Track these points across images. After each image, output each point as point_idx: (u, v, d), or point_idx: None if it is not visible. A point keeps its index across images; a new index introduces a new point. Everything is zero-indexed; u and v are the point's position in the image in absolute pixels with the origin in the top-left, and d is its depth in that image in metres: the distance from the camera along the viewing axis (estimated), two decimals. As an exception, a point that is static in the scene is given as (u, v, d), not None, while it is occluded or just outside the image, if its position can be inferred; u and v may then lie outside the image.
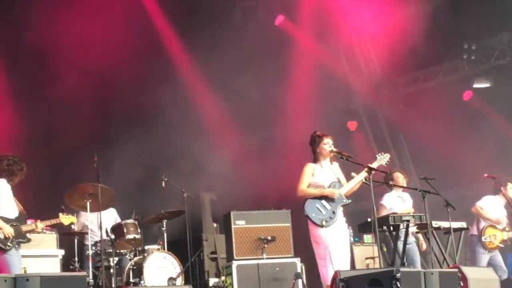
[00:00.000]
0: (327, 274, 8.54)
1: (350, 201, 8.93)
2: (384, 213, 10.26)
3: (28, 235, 8.77)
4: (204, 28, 13.34)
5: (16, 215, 8.74)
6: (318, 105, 13.79)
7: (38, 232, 9.77)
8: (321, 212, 8.79)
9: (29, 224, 8.89)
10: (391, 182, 10.63)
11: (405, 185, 10.72)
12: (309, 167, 9.01)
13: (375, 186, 8.80)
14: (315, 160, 9.08)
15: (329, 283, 8.38)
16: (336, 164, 9.20)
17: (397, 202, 10.60)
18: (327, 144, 9.01)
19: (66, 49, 12.26)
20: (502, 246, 11.47)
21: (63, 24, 12.17)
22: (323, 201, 8.84)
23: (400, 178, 10.80)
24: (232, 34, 13.35)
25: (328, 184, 8.91)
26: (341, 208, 8.90)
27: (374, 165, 9.01)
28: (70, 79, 12.22)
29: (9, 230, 8.44)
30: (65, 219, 9.41)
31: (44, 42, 11.97)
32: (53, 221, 9.26)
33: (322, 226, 8.68)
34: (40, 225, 8.99)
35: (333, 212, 8.79)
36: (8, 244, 8.44)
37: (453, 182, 13.25)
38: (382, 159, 9.14)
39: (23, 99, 12.12)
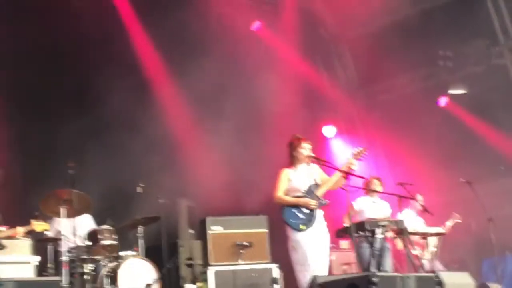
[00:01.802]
0: (304, 279, 8.52)
1: (327, 201, 8.92)
2: (352, 212, 10.29)
3: (3, 241, 8.69)
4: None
5: None
6: (296, 112, 13.78)
7: (12, 238, 9.65)
8: (298, 216, 8.78)
9: (8, 230, 8.80)
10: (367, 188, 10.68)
11: (372, 195, 10.78)
12: (285, 173, 8.99)
13: (351, 191, 8.83)
14: (291, 163, 9.05)
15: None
16: (315, 167, 9.17)
17: (369, 206, 10.61)
18: (305, 149, 8.99)
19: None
20: None
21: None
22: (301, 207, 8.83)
23: (376, 185, 10.84)
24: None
25: (305, 188, 8.89)
26: (321, 212, 8.88)
27: (350, 161, 8.94)
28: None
29: None
30: (37, 225, 9.32)
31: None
32: (27, 228, 9.18)
33: (300, 230, 8.67)
34: (21, 229, 8.88)
35: (311, 215, 8.77)
36: None
37: (432, 188, 13.29)
38: (358, 154, 9.09)
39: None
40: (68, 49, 12.54)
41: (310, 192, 8.91)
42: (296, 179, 8.95)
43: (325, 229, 8.92)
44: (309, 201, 8.79)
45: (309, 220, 8.75)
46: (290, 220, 8.77)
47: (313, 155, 9.01)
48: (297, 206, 8.82)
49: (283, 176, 9.00)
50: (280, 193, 8.92)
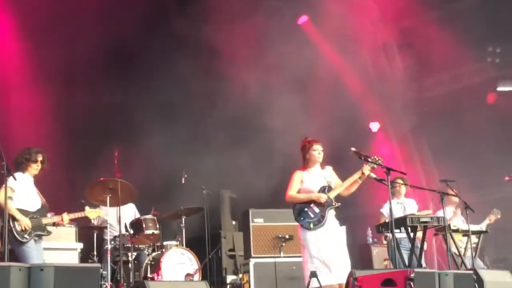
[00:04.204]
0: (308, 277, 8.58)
1: (339, 204, 8.90)
2: (383, 221, 10.25)
3: (49, 227, 8.83)
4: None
5: (38, 208, 8.81)
6: (340, 106, 13.74)
7: (60, 226, 9.78)
8: (309, 215, 8.78)
9: (53, 216, 8.93)
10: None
11: (403, 191, 10.71)
12: (298, 174, 9.00)
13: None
14: (304, 166, 9.07)
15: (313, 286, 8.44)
16: (329, 168, 9.14)
17: (397, 209, 10.55)
18: (316, 151, 9.00)
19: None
20: None
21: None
22: (312, 205, 8.82)
23: (400, 184, 10.76)
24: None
25: (317, 190, 8.88)
26: (332, 212, 8.87)
27: (367, 168, 8.92)
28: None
29: (26, 222, 8.52)
30: (91, 213, 9.46)
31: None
32: (78, 215, 9.29)
33: (310, 229, 8.68)
34: (67, 217, 9.02)
35: (322, 216, 8.76)
36: (25, 236, 8.52)
37: (476, 185, 13.19)
38: (375, 162, 9.01)
39: (48, 92, 12.20)
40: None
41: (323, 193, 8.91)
42: (309, 181, 8.95)
43: (337, 228, 8.88)
44: (320, 196, 8.78)
45: (319, 219, 8.75)
46: (301, 218, 8.78)
47: (353, 149, 9.00)
48: (308, 206, 8.82)
49: (295, 177, 9.01)
50: (292, 192, 8.93)
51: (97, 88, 12.63)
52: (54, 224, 9.05)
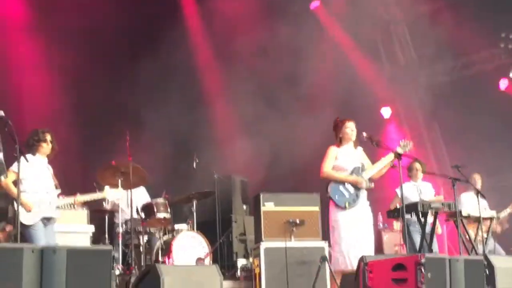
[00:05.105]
0: (340, 259, 8.60)
1: (372, 184, 8.95)
2: (395, 201, 10.25)
3: (59, 209, 8.80)
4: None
5: (49, 189, 8.76)
6: (351, 92, 13.73)
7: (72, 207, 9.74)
8: (344, 194, 8.83)
9: (65, 198, 8.87)
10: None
11: (420, 175, 10.69)
12: (333, 150, 9.05)
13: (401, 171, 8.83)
14: (338, 144, 9.10)
15: (341, 267, 8.47)
16: (360, 149, 9.22)
17: (413, 191, 10.53)
18: (349, 128, 9.03)
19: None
20: None
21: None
22: (347, 184, 8.87)
23: (417, 168, 10.75)
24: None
25: (351, 169, 8.94)
26: (365, 192, 8.92)
27: (396, 152, 8.98)
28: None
29: (30, 205, 8.47)
30: (110, 193, 9.26)
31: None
32: (95, 196, 9.14)
33: (345, 208, 8.72)
34: (80, 198, 8.98)
35: (357, 196, 8.83)
36: (31, 218, 8.46)
37: (488, 172, 13.14)
38: (404, 147, 9.10)
39: (61, 74, 12.23)
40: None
41: (356, 172, 8.96)
42: (342, 158, 8.99)
43: (368, 209, 8.96)
44: (358, 179, 8.82)
45: (354, 199, 8.80)
46: (336, 197, 8.82)
47: (367, 134, 9.02)
48: (343, 184, 8.86)
49: (330, 152, 9.05)
50: (328, 168, 8.95)
51: (111, 69, 12.67)
52: (70, 206, 9.02)
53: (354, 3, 13.91)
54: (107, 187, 9.28)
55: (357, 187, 8.87)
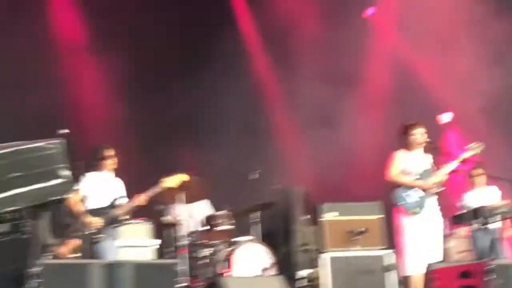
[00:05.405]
0: (409, 264, 8.52)
1: (443, 188, 8.86)
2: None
3: (123, 218, 8.84)
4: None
5: (110, 202, 8.85)
6: (407, 98, 13.61)
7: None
8: (412, 199, 8.74)
9: (127, 203, 8.91)
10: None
11: (483, 180, 10.50)
12: (401, 153, 8.97)
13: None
14: (407, 149, 9.02)
15: (408, 273, 8.39)
16: (429, 156, 9.12)
17: (478, 196, 10.35)
18: (419, 134, 8.94)
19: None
20: None
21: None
22: (415, 189, 8.77)
23: (478, 174, 10.56)
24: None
25: (420, 172, 8.84)
26: (435, 197, 8.81)
27: (467, 155, 8.90)
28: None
29: (96, 222, 8.60)
30: (171, 181, 9.30)
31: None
32: (154, 191, 9.14)
33: (412, 213, 8.63)
34: (142, 197, 8.97)
35: (424, 200, 8.72)
36: (98, 235, 8.59)
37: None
38: (475, 149, 9.02)
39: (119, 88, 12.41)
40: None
41: (425, 177, 8.86)
42: (411, 162, 8.91)
43: (438, 214, 8.85)
44: (428, 184, 8.71)
45: (422, 204, 8.71)
46: (403, 202, 8.74)
47: (428, 139, 8.94)
48: (412, 189, 8.77)
49: (398, 156, 8.97)
50: (395, 172, 8.88)
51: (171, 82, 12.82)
52: (135, 208, 8.96)
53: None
54: (164, 179, 9.23)
55: (426, 193, 8.77)
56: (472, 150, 9.01)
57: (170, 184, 9.37)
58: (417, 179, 8.87)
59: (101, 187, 8.82)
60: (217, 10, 13.41)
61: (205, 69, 12.87)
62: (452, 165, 8.94)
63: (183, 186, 10.22)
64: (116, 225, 8.82)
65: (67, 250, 8.64)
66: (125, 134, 11.82)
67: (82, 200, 8.37)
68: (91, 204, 8.71)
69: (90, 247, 8.51)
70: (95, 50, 12.70)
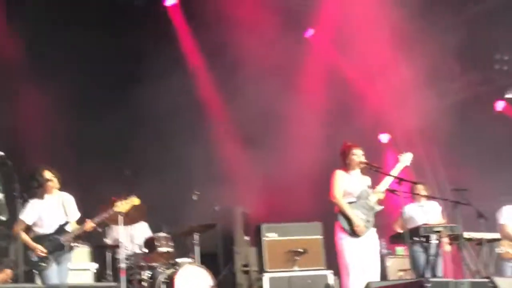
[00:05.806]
0: (348, 284, 8.58)
1: (382, 207, 8.97)
2: (399, 222, 10.24)
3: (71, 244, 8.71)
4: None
5: (58, 226, 8.72)
6: (347, 119, 13.75)
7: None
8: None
9: (76, 228, 8.78)
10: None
11: (421, 197, 10.68)
12: (340, 174, 9.04)
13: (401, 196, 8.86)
14: (345, 169, 9.12)
15: None
16: (368, 178, 9.21)
17: (418, 211, 10.53)
18: (356, 155, 9.05)
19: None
20: None
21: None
22: (357, 211, 8.85)
23: (420, 189, 10.75)
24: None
25: (358, 193, 8.93)
26: (372, 218, 8.92)
27: (399, 167, 9.07)
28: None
29: (40, 249, 8.48)
30: (122, 206, 9.13)
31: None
32: (103, 216, 8.97)
33: (353, 236, 8.70)
34: (91, 223, 8.79)
35: (368, 221, 8.82)
36: (42, 264, 8.45)
37: (489, 194, 13.10)
38: (405, 160, 9.20)
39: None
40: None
41: (362, 198, 8.94)
42: (349, 183, 8.99)
43: (374, 235, 8.94)
44: (361, 228, 8.78)
45: (365, 226, 8.78)
46: (345, 223, 8.79)
47: (364, 160, 9.05)
48: (355, 210, 8.85)
49: (338, 176, 9.04)
50: (339, 194, 8.93)
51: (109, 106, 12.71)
52: (83, 232, 8.81)
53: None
54: (117, 202, 9.11)
55: (368, 212, 8.85)
56: (402, 162, 9.18)
57: (122, 209, 9.26)
58: (354, 201, 8.93)
59: (46, 212, 8.68)
60: (154, 27, 13.33)
61: (144, 86, 12.80)
62: (388, 179, 9.05)
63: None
64: (62, 251, 8.68)
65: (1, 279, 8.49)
66: (61, 156, 11.63)
67: (28, 228, 8.25)
68: (37, 230, 8.60)
69: (33, 273, 8.38)
70: (31, 71, 12.49)
